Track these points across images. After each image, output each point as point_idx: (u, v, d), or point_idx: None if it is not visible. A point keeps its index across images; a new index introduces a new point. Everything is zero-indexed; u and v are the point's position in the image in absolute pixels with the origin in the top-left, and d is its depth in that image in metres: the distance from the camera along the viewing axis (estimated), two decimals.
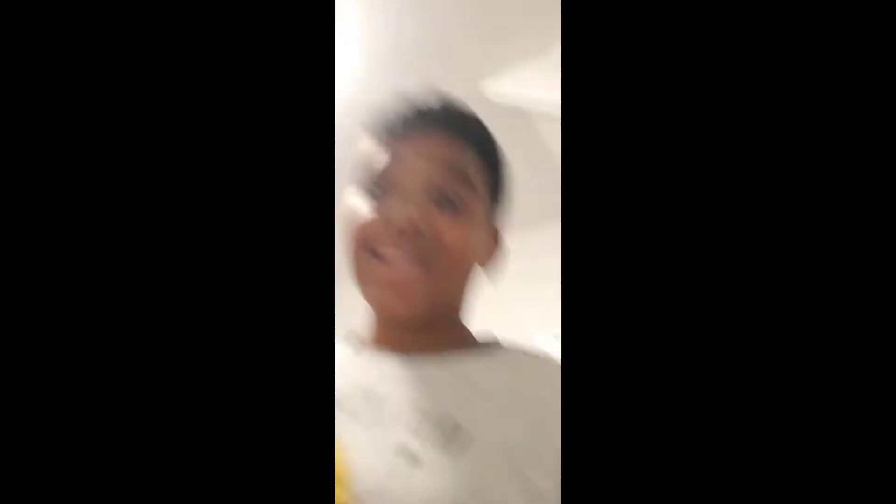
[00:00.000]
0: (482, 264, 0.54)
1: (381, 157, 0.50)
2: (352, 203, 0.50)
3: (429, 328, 0.50)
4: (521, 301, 2.14)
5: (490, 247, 0.55)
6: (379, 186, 0.49)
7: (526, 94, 1.37)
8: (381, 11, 1.25)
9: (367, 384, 0.46)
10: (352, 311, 0.60)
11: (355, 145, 0.54)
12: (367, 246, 0.48)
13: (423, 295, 0.47)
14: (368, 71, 1.39)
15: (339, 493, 0.38)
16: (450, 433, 0.42)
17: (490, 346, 0.53)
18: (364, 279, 0.49)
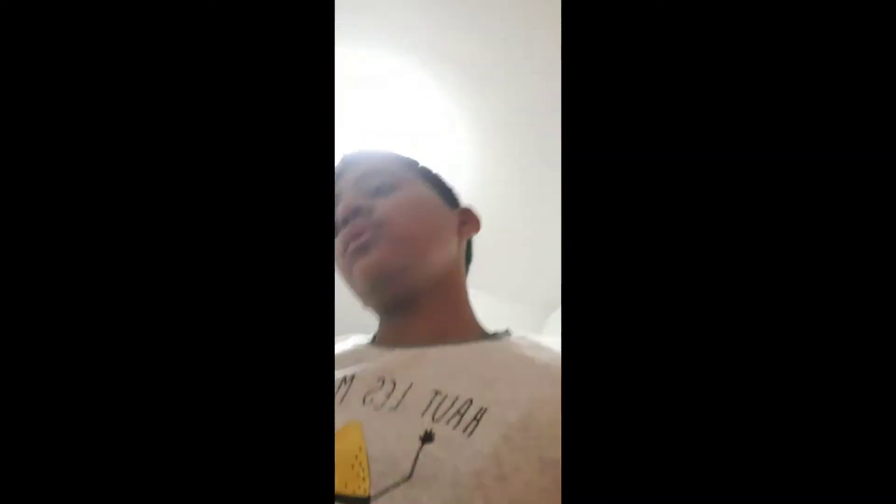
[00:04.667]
0: (457, 236, 0.61)
1: (338, 191, 0.60)
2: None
3: (427, 305, 0.55)
4: None
5: (452, 222, 0.61)
6: (338, 208, 0.58)
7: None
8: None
9: (387, 373, 0.48)
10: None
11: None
12: (338, 253, 0.56)
13: (384, 244, 0.53)
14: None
15: (358, 483, 0.39)
16: (463, 408, 0.42)
17: (512, 339, 0.55)
18: (341, 271, 0.56)
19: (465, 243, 0.63)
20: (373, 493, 0.38)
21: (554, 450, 0.39)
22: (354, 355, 0.53)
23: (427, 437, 0.40)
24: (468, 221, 0.64)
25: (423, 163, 0.64)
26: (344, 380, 0.48)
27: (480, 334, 0.57)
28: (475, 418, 0.41)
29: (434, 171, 0.65)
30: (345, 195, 0.57)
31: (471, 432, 0.40)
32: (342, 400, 0.46)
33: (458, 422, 0.41)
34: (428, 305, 0.56)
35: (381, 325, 0.59)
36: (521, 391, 0.43)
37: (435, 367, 0.47)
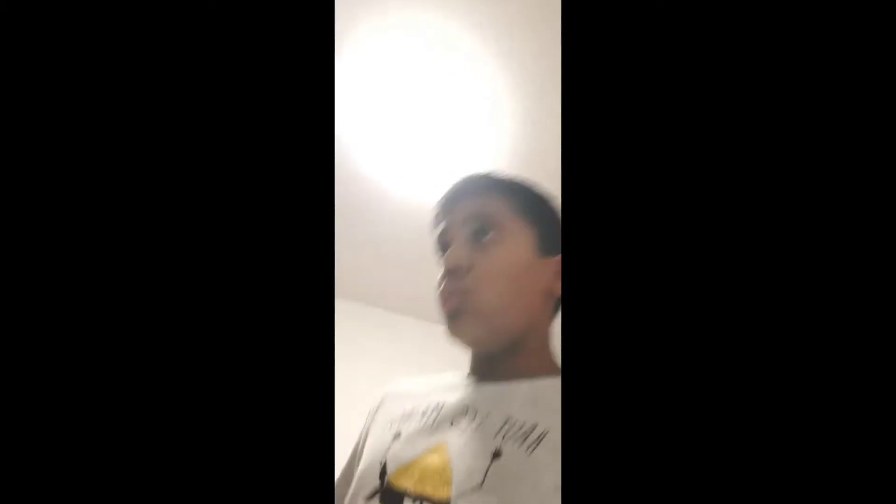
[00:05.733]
0: (544, 294, 0.64)
1: (439, 228, 0.66)
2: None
3: (510, 355, 0.61)
4: None
5: (544, 279, 0.64)
6: (440, 248, 0.66)
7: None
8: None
9: (472, 404, 0.58)
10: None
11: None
12: (440, 298, 0.62)
13: (469, 315, 0.59)
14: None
15: (443, 489, 0.49)
16: (528, 431, 0.51)
17: None
18: (442, 320, 0.63)
19: (554, 299, 0.65)
20: (454, 495, 0.48)
21: None
22: (448, 384, 0.63)
23: (496, 454, 0.49)
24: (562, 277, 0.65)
25: (537, 197, 0.66)
26: (436, 406, 0.59)
27: (554, 371, 0.63)
28: (537, 439, 0.49)
29: (546, 206, 0.67)
30: (452, 234, 0.63)
31: (532, 450, 0.48)
32: (434, 423, 0.57)
33: (523, 442, 0.49)
34: (508, 359, 0.61)
35: (472, 359, 0.66)
36: None
37: (509, 399, 0.56)
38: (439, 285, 0.61)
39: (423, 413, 0.58)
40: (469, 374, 0.65)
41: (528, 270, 0.61)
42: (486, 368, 0.62)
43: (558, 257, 0.64)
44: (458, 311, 0.58)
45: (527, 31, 1.27)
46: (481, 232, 0.61)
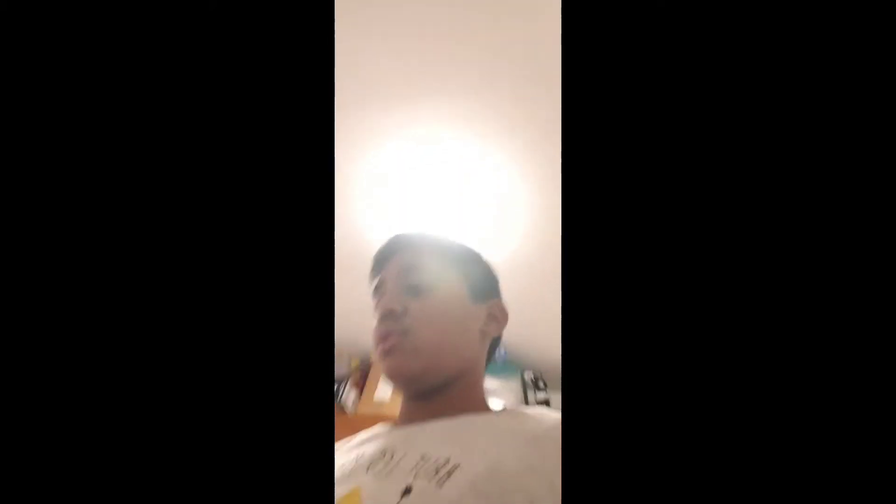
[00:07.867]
0: (479, 334, 0.68)
1: (374, 281, 0.70)
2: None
3: (441, 394, 0.63)
4: None
5: (477, 322, 0.68)
6: (376, 298, 0.69)
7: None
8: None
9: (390, 447, 0.58)
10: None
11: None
12: (375, 341, 0.64)
13: (405, 352, 0.61)
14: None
15: None
16: (441, 465, 0.49)
17: (499, 411, 0.63)
18: (377, 360, 0.64)
19: (489, 339, 0.69)
20: None
21: (515, 496, 0.45)
22: (372, 436, 0.64)
23: (406, 491, 0.48)
24: (496, 318, 0.70)
25: (466, 253, 0.71)
26: (356, 458, 0.59)
27: (482, 408, 0.64)
28: (448, 472, 0.48)
29: (475, 262, 0.71)
30: (387, 286, 0.67)
31: (442, 484, 0.47)
32: (351, 472, 0.56)
33: (434, 476, 0.48)
34: (441, 396, 0.63)
35: (401, 405, 0.68)
36: (493, 448, 0.50)
37: (428, 437, 0.56)
38: (375, 330, 0.64)
39: (341, 467, 0.59)
40: (397, 421, 0.66)
41: (462, 314, 0.66)
42: (413, 411, 0.64)
43: (492, 302, 0.70)
44: (394, 349, 0.61)
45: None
46: (415, 281, 0.65)
